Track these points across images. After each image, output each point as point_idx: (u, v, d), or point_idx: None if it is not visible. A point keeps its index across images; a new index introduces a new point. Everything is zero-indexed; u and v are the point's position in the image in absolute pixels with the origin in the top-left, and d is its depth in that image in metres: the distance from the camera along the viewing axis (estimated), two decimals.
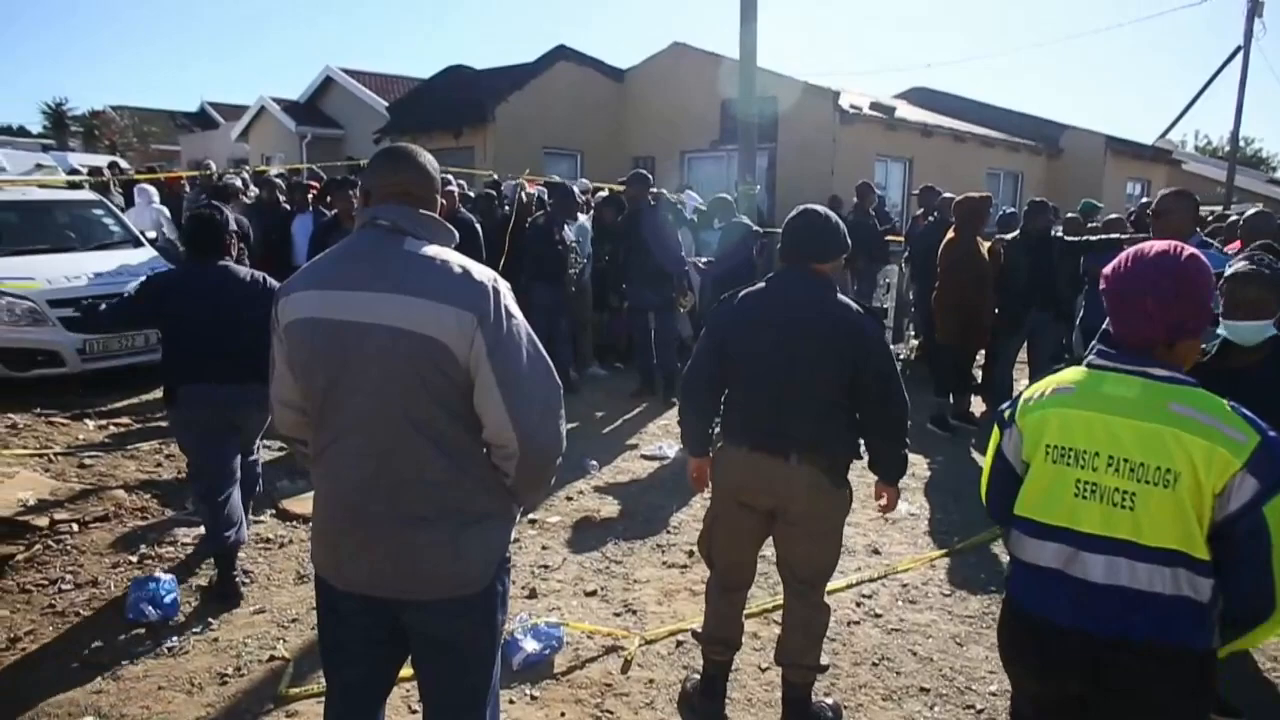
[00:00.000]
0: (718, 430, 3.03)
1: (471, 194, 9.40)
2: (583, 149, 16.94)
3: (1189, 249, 1.83)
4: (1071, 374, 1.92)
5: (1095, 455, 1.79)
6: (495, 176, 10.96)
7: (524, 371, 1.83)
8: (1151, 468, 1.73)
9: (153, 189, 10.44)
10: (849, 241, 2.93)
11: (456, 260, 1.87)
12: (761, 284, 2.91)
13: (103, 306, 4.11)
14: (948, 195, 8.01)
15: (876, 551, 4.55)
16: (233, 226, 4.10)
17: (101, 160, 16.26)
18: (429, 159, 2.01)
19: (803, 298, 2.78)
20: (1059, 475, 1.84)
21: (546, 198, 8.56)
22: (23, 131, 35.64)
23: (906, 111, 16.80)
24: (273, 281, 4.14)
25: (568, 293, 7.66)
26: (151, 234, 8.73)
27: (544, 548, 4.49)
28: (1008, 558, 2.12)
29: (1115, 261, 1.88)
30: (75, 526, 4.42)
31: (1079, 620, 1.81)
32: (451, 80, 18.90)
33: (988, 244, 6.82)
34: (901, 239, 10.57)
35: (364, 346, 1.81)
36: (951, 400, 7.00)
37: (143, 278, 4.44)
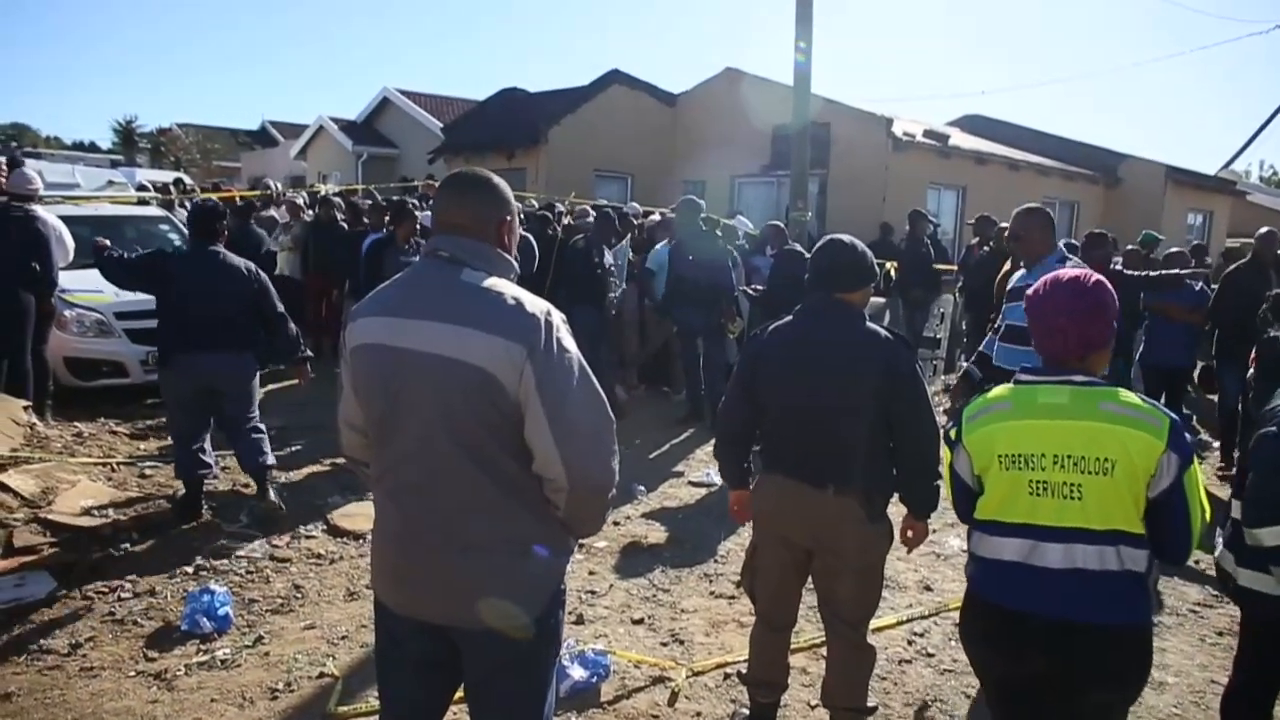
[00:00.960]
0: (757, 459, 2.99)
1: (524, 214, 9.51)
2: (633, 172, 17.03)
3: (1097, 276, 2.14)
4: (1001, 392, 2.18)
5: (1042, 456, 2.02)
6: (536, 202, 11.04)
7: (574, 405, 1.81)
8: (1091, 459, 1.97)
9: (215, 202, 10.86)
10: (876, 270, 2.91)
11: (510, 292, 1.86)
12: (790, 317, 2.88)
13: (117, 254, 4.83)
14: (1004, 225, 7.87)
15: (928, 588, 4.45)
16: (226, 220, 4.94)
17: (167, 176, 16.79)
18: (494, 186, 1.98)
19: (830, 329, 2.75)
20: (1014, 480, 2.07)
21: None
22: (93, 148, 37.08)
23: (960, 139, 16.60)
24: (256, 269, 4.80)
25: (607, 316, 7.67)
26: None
27: (591, 573, 4.48)
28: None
29: (1035, 288, 2.16)
30: (135, 536, 4.52)
31: (1041, 605, 2.03)
32: (505, 102, 19.17)
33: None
34: (954, 268, 10.42)
35: (418, 374, 1.82)
36: None
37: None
